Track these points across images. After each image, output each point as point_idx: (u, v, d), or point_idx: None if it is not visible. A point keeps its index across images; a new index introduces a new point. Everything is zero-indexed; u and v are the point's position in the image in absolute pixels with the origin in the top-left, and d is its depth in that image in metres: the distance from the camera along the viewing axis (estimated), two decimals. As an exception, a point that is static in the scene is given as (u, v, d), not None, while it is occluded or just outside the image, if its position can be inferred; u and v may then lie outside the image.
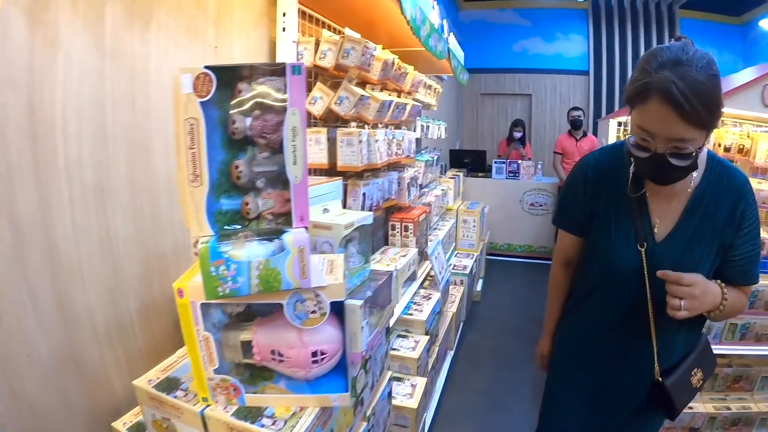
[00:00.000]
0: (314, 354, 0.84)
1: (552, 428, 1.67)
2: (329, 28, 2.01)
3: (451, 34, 3.11)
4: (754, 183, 2.35)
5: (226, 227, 0.80)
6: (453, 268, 3.75)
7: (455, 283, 3.58)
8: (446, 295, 3.02)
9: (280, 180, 0.80)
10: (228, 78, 0.79)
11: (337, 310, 0.84)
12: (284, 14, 1.72)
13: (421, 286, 2.66)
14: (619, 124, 4.27)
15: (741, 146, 2.44)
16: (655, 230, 1.31)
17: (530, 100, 8.47)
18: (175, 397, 0.96)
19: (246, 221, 0.80)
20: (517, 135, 6.10)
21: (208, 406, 0.90)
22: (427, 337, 2.33)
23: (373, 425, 1.25)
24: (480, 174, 6.05)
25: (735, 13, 7.65)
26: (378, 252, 2.25)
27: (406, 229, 2.34)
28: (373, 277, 1.11)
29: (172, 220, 1.40)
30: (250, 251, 0.75)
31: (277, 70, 0.75)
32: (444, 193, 3.60)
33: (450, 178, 4.20)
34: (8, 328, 0.97)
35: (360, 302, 0.95)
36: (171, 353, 1.19)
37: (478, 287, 4.64)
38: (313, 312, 0.79)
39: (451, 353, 3.33)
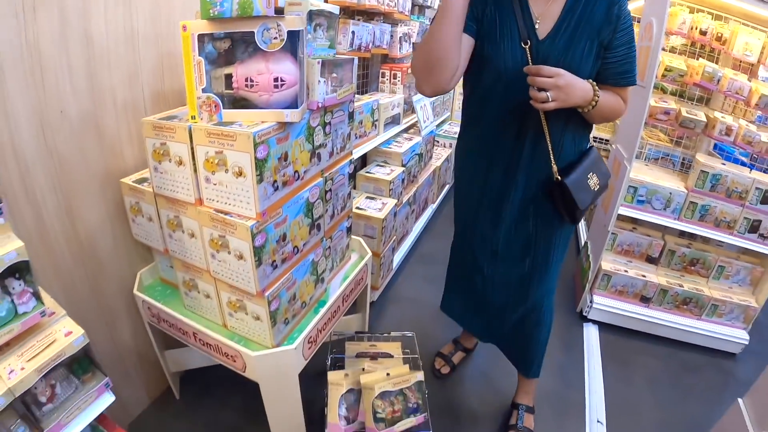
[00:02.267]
0: (276, 80, 1.22)
1: (463, 237, 1.91)
2: None
3: None
4: (730, 73, 2.59)
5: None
6: (444, 132, 4.12)
7: (444, 146, 3.97)
8: (429, 146, 3.40)
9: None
10: None
11: (294, 50, 1.21)
12: None
13: (404, 132, 3.05)
14: None
15: (719, 34, 2.64)
16: (537, 29, 1.45)
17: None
18: (171, 121, 1.36)
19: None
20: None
21: (194, 123, 1.30)
22: (403, 168, 2.74)
23: (330, 189, 1.66)
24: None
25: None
26: (366, 95, 2.62)
27: (395, 77, 2.70)
28: (337, 59, 1.47)
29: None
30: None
31: None
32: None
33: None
34: (49, 90, 1.35)
35: (317, 59, 1.32)
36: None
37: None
38: (275, 38, 1.16)
39: (432, 206, 3.78)
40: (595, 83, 1.44)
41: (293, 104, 1.25)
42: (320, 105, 1.39)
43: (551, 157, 1.53)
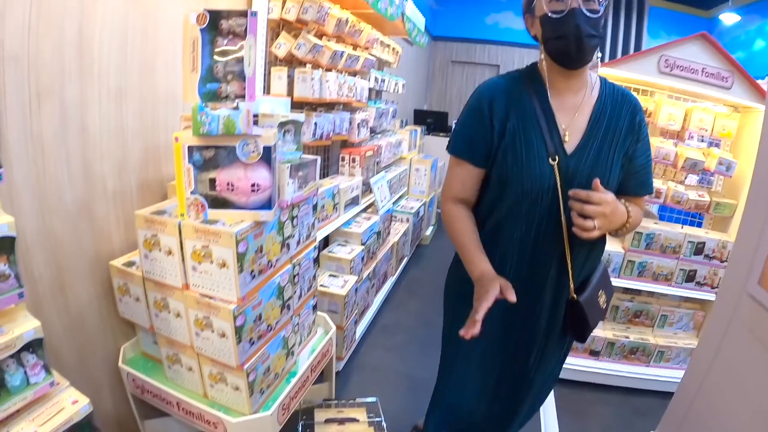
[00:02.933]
0: (253, 185, 1.49)
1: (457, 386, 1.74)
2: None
3: (410, 1, 3.76)
4: (656, 141, 2.94)
5: (208, 102, 1.45)
6: (401, 208, 4.46)
7: (401, 221, 4.30)
8: (387, 223, 3.70)
9: (241, 75, 1.43)
10: (215, 16, 1.42)
11: (269, 160, 1.49)
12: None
13: (364, 211, 3.36)
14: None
15: (645, 108, 3.02)
16: (565, 142, 1.38)
17: (497, 70, 9.36)
18: (162, 216, 1.60)
19: (220, 98, 1.45)
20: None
21: (183, 220, 1.55)
22: (363, 247, 3.02)
23: (297, 273, 1.91)
24: (441, 134, 6.75)
25: (704, 7, 8.37)
26: (327, 178, 2.92)
27: (354, 161, 3.02)
28: (303, 161, 1.76)
29: (166, 122, 2.00)
30: (220, 112, 1.40)
31: (243, 14, 1.39)
32: (399, 142, 4.25)
33: (406, 130, 4.83)
34: (49, 177, 1.56)
35: (287, 164, 1.61)
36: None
37: (428, 232, 5.40)
38: (253, 152, 1.44)
39: (392, 279, 4.06)
40: (627, 204, 1.41)
41: (267, 205, 1.52)
42: (289, 203, 1.67)
43: (570, 275, 1.46)
